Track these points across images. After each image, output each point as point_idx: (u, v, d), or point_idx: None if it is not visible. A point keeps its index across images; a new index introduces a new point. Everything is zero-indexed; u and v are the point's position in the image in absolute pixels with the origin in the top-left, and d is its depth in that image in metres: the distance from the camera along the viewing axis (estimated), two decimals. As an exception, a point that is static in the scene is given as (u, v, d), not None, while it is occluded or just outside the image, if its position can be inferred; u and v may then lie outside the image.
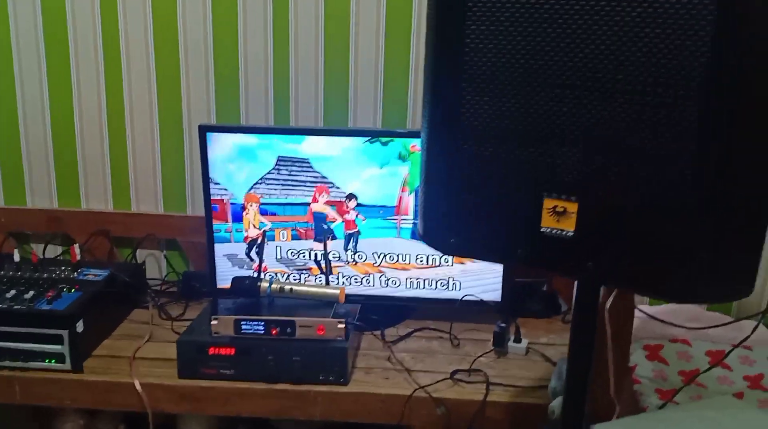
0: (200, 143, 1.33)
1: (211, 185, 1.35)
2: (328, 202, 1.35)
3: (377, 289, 1.40)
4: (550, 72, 0.67)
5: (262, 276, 1.27)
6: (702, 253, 0.63)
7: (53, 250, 1.54)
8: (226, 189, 1.35)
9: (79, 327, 1.19)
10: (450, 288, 1.39)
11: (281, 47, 1.43)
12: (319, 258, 1.37)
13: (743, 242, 0.64)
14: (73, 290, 1.26)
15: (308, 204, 1.36)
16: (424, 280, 1.39)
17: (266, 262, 1.36)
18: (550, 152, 0.69)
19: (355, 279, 1.39)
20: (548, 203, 0.71)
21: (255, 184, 1.35)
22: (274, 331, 1.16)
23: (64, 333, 1.17)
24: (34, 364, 1.18)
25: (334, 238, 1.36)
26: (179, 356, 1.17)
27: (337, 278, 1.39)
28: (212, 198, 1.36)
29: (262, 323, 1.16)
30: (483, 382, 1.18)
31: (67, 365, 1.19)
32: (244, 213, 1.36)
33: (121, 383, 1.17)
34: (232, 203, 1.36)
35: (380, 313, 1.38)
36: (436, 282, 1.38)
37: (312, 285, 1.27)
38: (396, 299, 1.40)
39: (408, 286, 1.39)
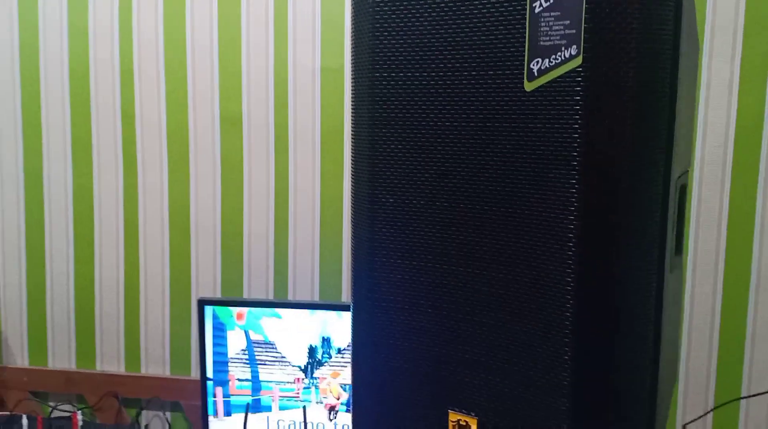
0: (198, 315, 1.45)
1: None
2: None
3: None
4: (449, 302, 0.76)
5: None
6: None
7: (68, 410, 1.65)
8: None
9: (70, 494, 1.27)
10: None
11: (281, 227, 1.58)
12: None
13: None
14: (71, 456, 1.35)
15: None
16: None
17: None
18: (451, 370, 0.76)
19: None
20: (452, 416, 0.78)
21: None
22: None
23: (55, 501, 1.25)
24: None
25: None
26: None
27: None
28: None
29: (235, 499, 1.21)
30: None
31: None
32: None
33: None
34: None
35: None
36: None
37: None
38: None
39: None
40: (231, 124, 1.58)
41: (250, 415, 1.43)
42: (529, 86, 0.68)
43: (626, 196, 0.66)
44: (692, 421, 1.47)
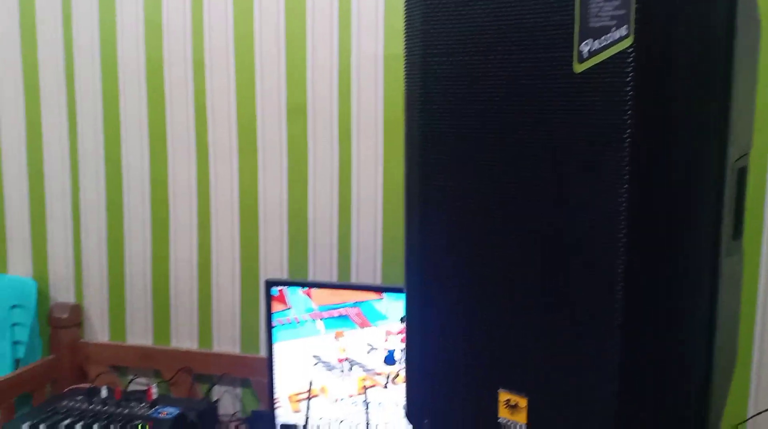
0: (266, 295, 1.51)
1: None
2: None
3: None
4: (498, 286, 0.77)
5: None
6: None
7: (144, 383, 1.75)
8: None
9: (146, 462, 1.35)
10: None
11: (345, 212, 1.62)
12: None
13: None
14: (147, 427, 1.43)
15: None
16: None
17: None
18: (500, 352, 0.78)
19: None
20: (502, 396, 0.79)
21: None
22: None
23: (132, 467, 1.33)
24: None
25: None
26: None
27: None
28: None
29: (299, 473, 1.26)
30: None
31: (133, 497, 1.34)
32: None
33: None
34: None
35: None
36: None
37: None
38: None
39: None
40: (296, 114, 1.63)
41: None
42: (579, 68, 0.68)
43: (678, 178, 0.66)
44: (758, 414, 1.42)
